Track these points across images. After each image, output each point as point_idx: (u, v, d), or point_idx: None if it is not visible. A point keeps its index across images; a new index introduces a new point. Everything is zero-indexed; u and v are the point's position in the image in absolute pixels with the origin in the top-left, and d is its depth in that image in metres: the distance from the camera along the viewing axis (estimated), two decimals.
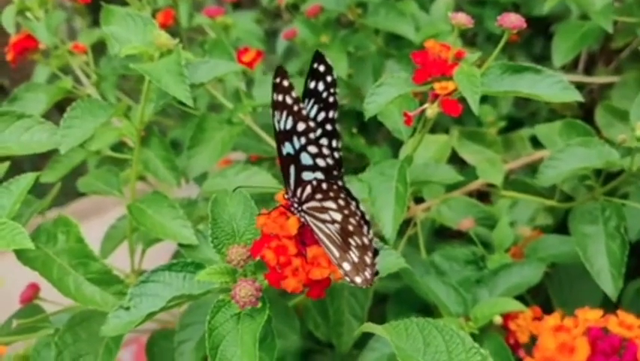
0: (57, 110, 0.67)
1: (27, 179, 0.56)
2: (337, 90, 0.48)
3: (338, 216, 0.47)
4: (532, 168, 0.98)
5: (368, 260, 0.47)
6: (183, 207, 0.64)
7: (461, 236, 0.85)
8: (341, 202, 0.47)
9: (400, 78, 0.60)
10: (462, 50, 0.59)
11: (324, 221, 0.47)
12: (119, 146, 0.88)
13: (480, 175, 0.83)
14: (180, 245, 0.59)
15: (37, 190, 0.66)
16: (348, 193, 0.48)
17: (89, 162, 1.00)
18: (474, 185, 0.88)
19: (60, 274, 0.55)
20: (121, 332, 0.48)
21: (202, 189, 0.71)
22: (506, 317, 0.68)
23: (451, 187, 0.86)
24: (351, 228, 0.47)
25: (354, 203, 0.47)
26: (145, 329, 0.75)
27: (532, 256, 0.77)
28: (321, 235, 0.47)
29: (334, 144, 0.49)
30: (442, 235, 1.00)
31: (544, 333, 0.37)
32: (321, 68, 0.47)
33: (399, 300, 0.82)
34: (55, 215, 0.63)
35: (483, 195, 0.99)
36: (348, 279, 0.47)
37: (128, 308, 0.49)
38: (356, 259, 0.46)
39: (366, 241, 0.47)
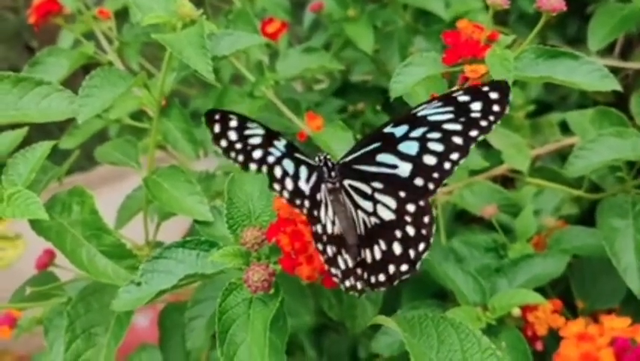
0: (84, 73, 0.66)
1: (43, 147, 0.55)
2: (498, 123, 0.45)
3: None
4: (561, 155, 0.96)
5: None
6: (200, 181, 0.63)
7: (482, 220, 0.83)
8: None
9: (429, 58, 0.58)
10: (495, 31, 0.56)
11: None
12: (140, 114, 0.87)
13: (506, 160, 0.81)
14: (195, 221, 0.58)
15: (59, 155, 0.65)
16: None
17: (110, 128, 1.00)
18: (499, 170, 0.86)
19: (73, 246, 0.54)
20: (131, 307, 0.48)
21: (220, 163, 0.70)
22: (525, 308, 0.66)
23: (474, 171, 0.84)
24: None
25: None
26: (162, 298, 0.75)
27: (555, 247, 0.75)
28: None
29: (454, 156, 0.46)
30: (463, 218, 0.98)
31: (566, 341, 0.35)
32: (493, 95, 0.45)
33: (415, 284, 0.80)
34: (78, 180, 0.62)
35: (507, 180, 0.96)
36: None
37: (139, 284, 0.48)
38: (343, 266, 0.45)
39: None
